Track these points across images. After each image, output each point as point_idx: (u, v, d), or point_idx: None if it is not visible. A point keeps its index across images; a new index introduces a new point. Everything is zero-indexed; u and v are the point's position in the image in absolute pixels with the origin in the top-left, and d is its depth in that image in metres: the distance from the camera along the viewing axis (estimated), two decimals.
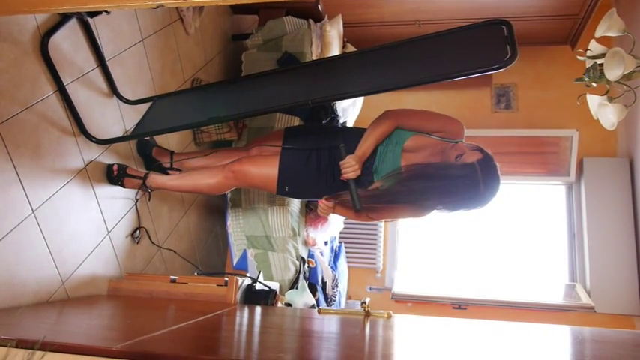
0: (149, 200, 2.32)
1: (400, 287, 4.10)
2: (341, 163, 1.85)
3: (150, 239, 2.37)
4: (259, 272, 2.10)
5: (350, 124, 3.77)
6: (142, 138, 2.26)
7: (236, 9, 3.38)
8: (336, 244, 3.94)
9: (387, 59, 1.79)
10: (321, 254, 3.25)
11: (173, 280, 2.02)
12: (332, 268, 3.60)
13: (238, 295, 1.93)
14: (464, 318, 4.00)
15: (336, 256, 3.84)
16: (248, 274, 2.01)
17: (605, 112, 2.79)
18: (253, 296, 1.97)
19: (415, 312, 4.20)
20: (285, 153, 2.00)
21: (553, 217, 4.27)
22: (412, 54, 1.75)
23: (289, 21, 3.13)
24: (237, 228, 2.76)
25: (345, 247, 4.26)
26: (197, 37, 2.85)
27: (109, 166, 2.09)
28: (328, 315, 1.70)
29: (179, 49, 2.66)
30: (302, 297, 2.09)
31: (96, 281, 2.03)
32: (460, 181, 1.74)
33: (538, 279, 4.22)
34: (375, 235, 4.38)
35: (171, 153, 2.36)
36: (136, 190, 2.21)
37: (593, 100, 2.86)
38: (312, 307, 2.14)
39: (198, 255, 2.92)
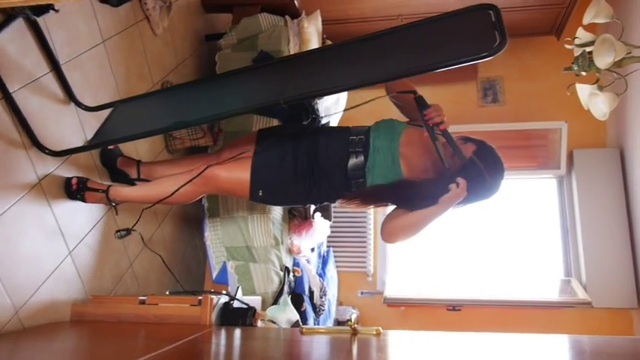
0: (117, 215, 2.14)
1: (392, 291, 3.96)
2: (426, 111, 1.70)
3: (142, 239, 2.17)
4: (237, 288, 1.94)
5: (333, 124, 3.62)
6: (102, 147, 2.08)
7: (208, 8, 3.22)
8: (324, 249, 3.79)
9: (368, 51, 1.66)
10: (308, 262, 3.10)
11: (142, 302, 1.85)
12: (320, 275, 3.45)
13: (214, 315, 1.77)
14: (458, 320, 3.89)
15: (324, 262, 3.69)
16: (224, 292, 1.85)
17: (597, 102, 2.67)
18: (230, 315, 1.81)
19: (408, 315, 4.08)
20: (258, 155, 1.85)
21: (545, 212, 4.18)
22: (395, 45, 1.62)
23: (265, 18, 2.98)
24: (216, 239, 2.59)
25: (334, 252, 4.12)
26: (166, 37, 2.68)
27: (68, 180, 1.92)
28: (312, 335, 1.55)
29: (146, 50, 2.49)
30: (285, 313, 1.93)
31: (56, 307, 1.85)
32: (465, 179, 1.67)
33: (533, 276, 4.12)
34: (365, 237, 4.25)
35: (138, 162, 2.19)
36: (101, 205, 2.04)
37: (584, 90, 2.74)
38: (297, 323, 1.99)
39: (176, 269, 2.74)
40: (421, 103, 1.74)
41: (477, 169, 1.69)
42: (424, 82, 4.32)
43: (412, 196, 1.76)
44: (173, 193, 1.87)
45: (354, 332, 1.53)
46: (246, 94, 1.66)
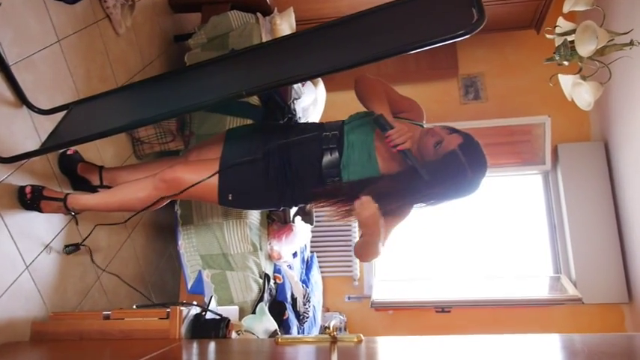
0: (77, 224, 1.99)
1: (379, 294, 3.85)
2: (387, 133, 1.63)
3: (92, 259, 2.03)
4: (210, 298, 1.81)
5: None
6: (56, 150, 1.94)
7: (176, 7, 3.09)
8: (307, 254, 3.67)
9: (339, 37, 1.56)
10: (290, 268, 2.98)
11: (106, 317, 1.71)
12: (304, 281, 3.33)
13: (183, 328, 1.64)
14: (448, 322, 3.80)
15: (307, 267, 3.57)
16: (195, 303, 1.72)
17: (580, 92, 2.60)
18: (202, 327, 1.68)
19: (397, 319, 3.98)
20: (227, 156, 1.73)
21: (532, 209, 4.12)
22: (368, 28, 1.53)
23: (235, 16, 2.86)
24: (190, 247, 2.46)
25: (318, 257, 4.00)
26: (130, 37, 2.56)
27: (21, 189, 1.77)
28: (288, 346, 1.42)
29: (108, 51, 2.36)
30: (261, 323, 1.80)
31: (14, 325, 1.70)
32: (447, 172, 1.61)
33: (522, 274, 4.05)
34: (350, 241, 4.14)
35: (100, 168, 2.06)
36: (61, 214, 1.90)
37: (567, 80, 2.67)
38: (275, 332, 1.86)
39: (150, 281, 2.60)
40: (380, 124, 1.67)
41: (460, 162, 1.60)
42: (405, 81, 4.26)
43: (390, 193, 1.66)
44: (139, 211, 1.75)
45: (334, 340, 1.41)
46: (209, 88, 1.54)
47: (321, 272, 3.99)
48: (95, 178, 2.03)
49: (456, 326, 3.89)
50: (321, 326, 3.77)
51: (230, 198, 1.72)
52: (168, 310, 1.66)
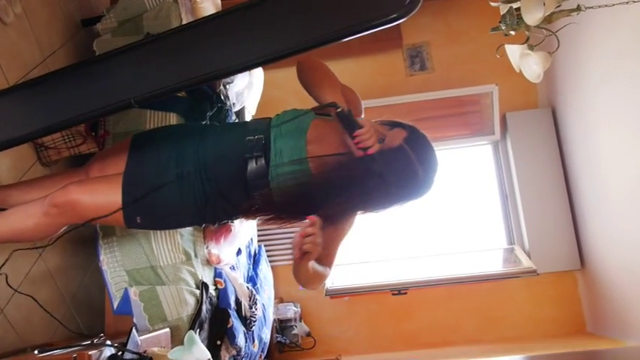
0: None
1: (333, 282, 3.70)
2: (357, 133, 1.38)
3: (6, 281, 1.73)
4: (131, 329, 1.57)
5: (250, 111, 3.25)
6: None
7: None
8: (254, 247, 3.45)
9: (260, 22, 1.31)
10: (233, 269, 2.75)
11: None
12: (251, 277, 3.13)
13: None
14: (405, 304, 3.73)
15: (255, 262, 3.36)
16: (108, 342, 1.48)
17: (529, 63, 2.46)
18: None
19: (353, 305, 3.88)
20: (131, 169, 1.46)
21: (483, 181, 4.05)
22: (293, 11, 1.28)
23: None
24: (114, 262, 2.18)
25: (267, 247, 3.80)
26: (22, 26, 2.19)
27: None
28: None
29: None
30: (191, 354, 1.59)
31: None
32: (393, 171, 1.39)
33: (476, 248, 4.00)
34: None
35: None
36: None
37: (514, 51, 2.52)
38: None
39: (72, 302, 2.31)
40: (347, 120, 1.41)
41: (409, 159, 1.40)
42: (348, 56, 4.03)
43: (329, 199, 1.45)
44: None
45: None
46: (93, 93, 1.26)
47: (272, 262, 3.80)
48: None
49: (413, 307, 3.82)
50: (275, 319, 3.59)
51: (139, 221, 1.46)
52: (75, 355, 1.41)
